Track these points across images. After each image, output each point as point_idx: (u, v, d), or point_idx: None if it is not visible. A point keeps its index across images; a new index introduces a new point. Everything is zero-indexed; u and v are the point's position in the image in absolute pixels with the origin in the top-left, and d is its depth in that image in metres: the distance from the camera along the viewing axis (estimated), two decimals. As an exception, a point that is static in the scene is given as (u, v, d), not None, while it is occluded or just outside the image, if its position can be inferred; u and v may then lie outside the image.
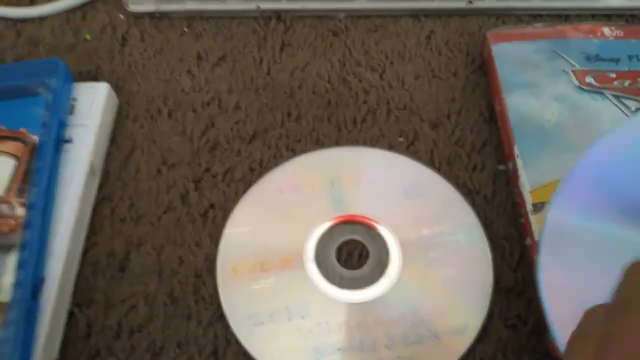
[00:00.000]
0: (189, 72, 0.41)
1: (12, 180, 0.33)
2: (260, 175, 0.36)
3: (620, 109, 0.36)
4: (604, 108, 0.36)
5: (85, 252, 0.34)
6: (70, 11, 0.43)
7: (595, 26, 0.40)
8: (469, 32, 0.43)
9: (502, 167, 0.36)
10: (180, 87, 0.40)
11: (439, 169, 0.36)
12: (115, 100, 0.39)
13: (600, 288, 0.21)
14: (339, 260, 0.33)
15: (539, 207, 0.32)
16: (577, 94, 0.37)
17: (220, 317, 0.32)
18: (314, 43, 0.42)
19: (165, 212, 0.35)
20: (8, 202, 0.32)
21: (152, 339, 0.32)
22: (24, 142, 0.35)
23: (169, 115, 0.39)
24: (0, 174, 0.33)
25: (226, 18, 0.43)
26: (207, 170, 0.37)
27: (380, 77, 0.40)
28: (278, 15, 0.43)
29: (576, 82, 0.37)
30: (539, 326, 0.31)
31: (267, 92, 0.40)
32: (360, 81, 0.40)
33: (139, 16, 0.43)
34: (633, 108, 0.36)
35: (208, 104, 0.39)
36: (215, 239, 0.34)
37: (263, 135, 0.38)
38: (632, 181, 0.28)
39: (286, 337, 0.31)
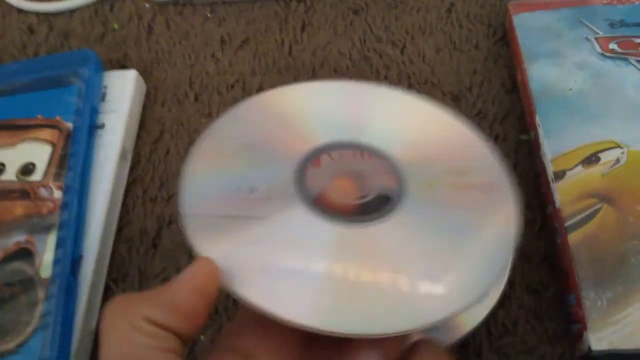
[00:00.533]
0: (213, 56, 0.42)
1: (50, 165, 0.35)
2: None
3: (645, 74, 0.35)
4: (627, 74, 0.35)
5: (119, 230, 0.36)
6: (99, 3, 0.45)
7: (621, -9, 0.39)
8: (490, 3, 0.42)
9: (524, 136, 0.36)
10: (206, 71, 0.41)
11: (460, 141, 0.36)
12: (143, 86, 0.41)
13: None
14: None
15: (560, 175, 0.32)
16: (600, 61, 0.36)
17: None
18: (335, 22, 0.43)
19: (194, 191, 0.37)
20: (47, 186, 0.34)
21: (185, 312, 0.33)
22: (59, 129, 0.36)
23: (195, 98, 0.40)
24: (39, 159, 0.35)
25: (248, 2, 0.44)
26: (233, 150, 0.38)
27: (401, 52, 0.41)
28: (299, -4, 0.44)
29: (599, 49, 0.37)
30: (561, 291, 0.31)
31: (290, 73, 0.41)
32: (381, 57, 0.41)
33: (163, 4, 0.44)
34: (658, 72, 0.35)
35: (232, 87, 0.40)
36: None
37: (286, 114, 0.39)
38: None
39: None
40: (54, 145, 0.36)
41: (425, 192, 0.26)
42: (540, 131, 0.34)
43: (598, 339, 0.28)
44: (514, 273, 0.31)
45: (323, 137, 0.28)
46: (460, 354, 0.30)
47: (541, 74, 0.36)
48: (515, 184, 0.29)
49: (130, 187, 0.37)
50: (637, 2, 0.39)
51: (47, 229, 0.33)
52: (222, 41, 0.42)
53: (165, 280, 0.34)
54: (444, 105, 0.31)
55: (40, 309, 0.30)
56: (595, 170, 0.32)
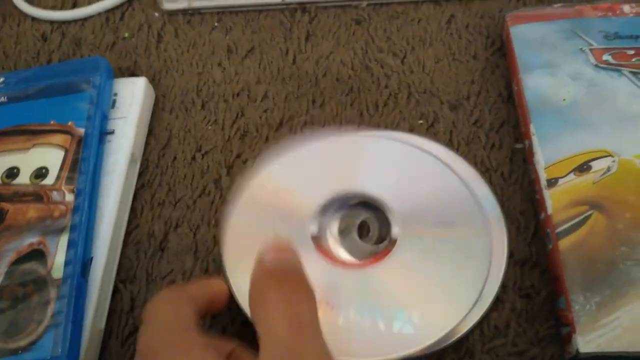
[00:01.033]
0: (219, 64, 0.43)
1: (62, 169, 0.37)
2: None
3: (638, 86, 0.36)
4: (620, 85, 0.36)
5: (128, 233, 0.37)
6: (110, 12, 0.47)
7: (615, 4, 0.40)
8: (489, 15, 0.44)
9: (519, 145, 0.38)
10: (212, 79, 0.43)
11: (457, 149, 0.38)
12: (152, 94, 0.42)
13: None
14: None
15: (552, 182, 0.33)
16: (594, 72, 0.37)
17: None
18: (338, 32, 0.44)
19: (200, 195, 0.38)
20: (59, 190, 0.36)
21: (190, 312, 0.34)
22: (71, 135, 0.38)
23: (202, 106, 0.42)
24: (52, 164, 0.37)
25: (254, 11, 0.45)
26: (238, 156, 0.39)
27: (402, 62, 0.42)
28: (303, 6, 0.45)
29: (593, 61, 0.38)
30: (552, 296, 0.32)
31: (293, 81, 0.42)
32: (382, 67, 0.42)
33: (172, 13, 0.46)
34: (650, 84, 0.36)
35: (238, 95, 0.42)
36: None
37: (289, 122, 0.40)
38: None
39: None
40: (66, 150, 0.37)
41: (414, 242, 0.33)
42: (535, 140, 0.35)
43: (586, 342, 0.29)
44: (507, 277, 0.33)
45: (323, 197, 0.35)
46: (454, 355, 0.31)
47: (536, 84, 0.37)
48: (505, 228, 0.33)
49: (138, 192, 0.38)
50: (631, 15, 0.40)
51: (59, 231, 0.34)
52: (229, 50, 0.44)
53: (172, 282, 0.35)
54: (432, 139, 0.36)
55: (52, 308, 0.32)
56: (587, 178, 0.33)
